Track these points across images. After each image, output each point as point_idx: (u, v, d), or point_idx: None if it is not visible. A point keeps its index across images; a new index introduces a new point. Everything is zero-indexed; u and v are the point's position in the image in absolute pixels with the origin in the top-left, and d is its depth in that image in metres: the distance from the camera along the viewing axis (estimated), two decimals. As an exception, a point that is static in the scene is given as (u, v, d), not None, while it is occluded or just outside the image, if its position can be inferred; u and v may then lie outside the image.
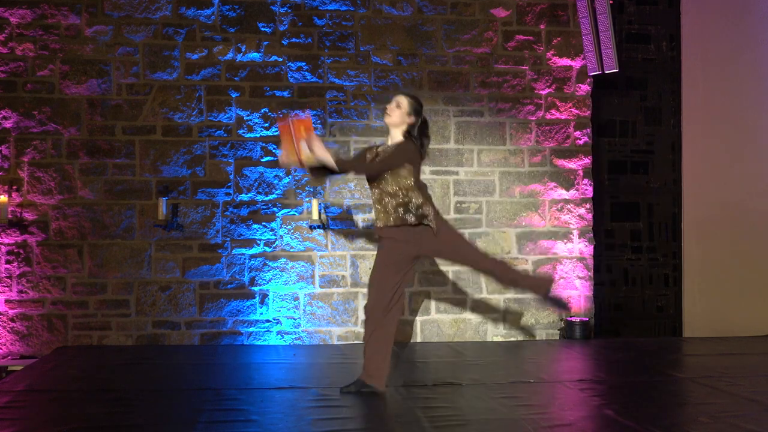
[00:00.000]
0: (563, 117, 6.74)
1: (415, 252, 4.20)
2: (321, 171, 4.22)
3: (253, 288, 6.35)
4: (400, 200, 4.12)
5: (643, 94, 7.19)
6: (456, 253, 4.42)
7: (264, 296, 6.35)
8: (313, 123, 4.22)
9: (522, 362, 5.46)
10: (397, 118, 4.20)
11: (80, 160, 6.23)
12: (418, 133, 4.21)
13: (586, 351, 5.95)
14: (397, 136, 4.24)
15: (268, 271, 6.37)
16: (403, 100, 4.21)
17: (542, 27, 6.76)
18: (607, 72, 6.43)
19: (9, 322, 6.09)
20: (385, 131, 6.54)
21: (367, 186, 6.42)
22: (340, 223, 6.46)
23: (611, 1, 6.43)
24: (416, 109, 4.22)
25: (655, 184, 7.16)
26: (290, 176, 6.43)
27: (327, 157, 4.05)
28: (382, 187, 4.16)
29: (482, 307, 6.56)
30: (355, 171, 4.44)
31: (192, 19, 6.41)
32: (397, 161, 4.14)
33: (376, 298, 4.19)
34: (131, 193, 6.27)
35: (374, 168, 4.20)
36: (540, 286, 4.50)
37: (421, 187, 4.22)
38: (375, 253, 6.40)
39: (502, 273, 4.42)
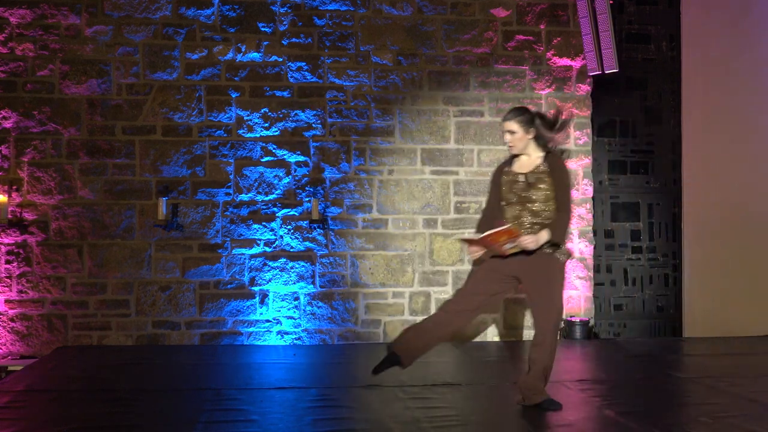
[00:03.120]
0: (563, 117, 6.73)
1: (516, 274, 3.92)
2: None
3: (253, 288, 6.35)
4: (542, 222, 3.86)
5: (643, 94, 7.18)
6: (543, 297, 3.90)
7: (264, 296, 6.35)
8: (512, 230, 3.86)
9: (522, 362, 5.45)
10: (520, 144, 3.96)
11: (80, 160, 6.23)
12: (547, 134, 3.99)
13: (586, 351, 5.95)
14: (532, 152, 3.98)
15: (268, 271, 6.37)
16: (511, 124, 3.96)
17: (542, 27, 6.75)
18: (607, 72, 6.43)
19: (9, 322, 6.09)
20: (384, 131, 6.55)
21: (367, 186, 6.45)
22: (340, 223, 6.46)
23: (611, 1, 6.42)
24: (526, 120, 3.97)
25: (655, 184, 7.15)
26: (290, 176, 6.43)
27: (545, 239, 3.84)
28: (527, 206, 3.90)
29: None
30: (569, 225, 3.97)
31: (192, 19, 6.40)
32: (571, 187, 4.06)
33: (466, 296, 4.01)
34: (131, 193, 6.27)
35: (570, 210, 3.94)
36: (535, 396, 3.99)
37: None
38: (375, 253, 6.44)
39: (537, 361, 3.95)
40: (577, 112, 6.75)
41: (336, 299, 6.41)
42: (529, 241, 3.80)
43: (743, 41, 6.95)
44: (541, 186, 3.90)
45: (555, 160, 3.98)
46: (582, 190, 6.72)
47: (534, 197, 3.91)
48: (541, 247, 3.85)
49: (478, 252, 3.93)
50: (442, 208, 6.58)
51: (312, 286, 6.40)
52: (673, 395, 4.37)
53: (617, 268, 7.06)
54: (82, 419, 3.69)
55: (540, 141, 4.00)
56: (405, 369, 4.02)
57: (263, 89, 6.44)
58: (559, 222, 3.90)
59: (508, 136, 3.99)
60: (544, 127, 3.99)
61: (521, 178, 3.96)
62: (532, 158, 4.00)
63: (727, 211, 6.91)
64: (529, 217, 3.91)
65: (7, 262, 6.11)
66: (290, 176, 6.43)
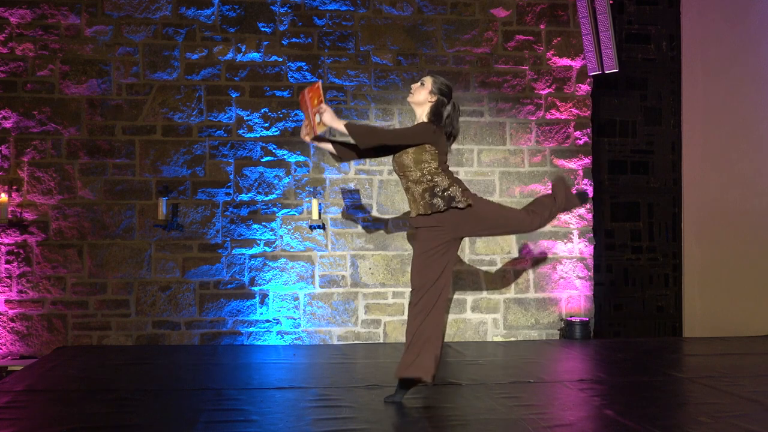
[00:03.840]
0: (563, 117, 6.75)
1: (450, 236, 4.03)
2: (342, 149, 4.21)
3: (253, 288, 6.35)
4: (426, 186, 3.99)
5: (643, 94, 7.19)
6: (496, 224, 4.19)
7: (264, 296, 6.35)
8: (321, 87, 4.13)
9: (522, 362, 5.46)
10: (419, 96, 4.08)
11: (80, 160, 6.23)
12: (446, 116, 4.07)
13: (586, 351, 5.94)
14: (421, 117, 4.12)
15: (268, 271, 6.37)
16: (428, 79, 4.11)
17: (542, 27, 6.76)
18: (607, 72, 6.43)
19: (9, 322, 6.09)
20: (385, 131, 6.54)
21: (367, 186, 6.45)
22: (340, 223, 6.46)
23: (611, 1, 6.42)
24: (440, 89, 4.08)
25: (655, 184, 7.16)
26: (290, 176, 6.43)
27: (337, 124, 3.97)
28: (408, 175, 4.04)
29: (482, 307, 6.56)
30: (367, 139, 4.05)
31: (192, 19, 6.41)
32: (412, 135, 3.97)
33: (420, 291, 4.01)
34: (131, 193, 6.27)
35: (386, 137, 4.05)
36: (569, 201, 4.47)
37: (447, 170, 4.07)
38: (375, 253, 6.44)
39: (545, 214, 4.30)
40: (577, 112, 6.76)
41: (336, 299, 6.42)
42: (325, 109, 3.98)
43: (743, 41, 6.96)
44: (406, 153, 4.01)
45: (422, 121, 4.10)
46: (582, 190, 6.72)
47: (405, 162, 4.03)
48: (446, 210, 3.97)
49: (305, 131, 4.17)
50: (442, 208, 6.57)
51: (312, 286, 6.40)
52: (673, 395, 4.37)
53: (617, 268, 7.06)
54: (82, 419, 3.69)
55: (433, 113, 4.07)
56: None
57: (263, 89, 6.44)
58: (369, 126, 4.09)
59: (416, 85, 4.13)
60: (449, 113, 4.11)
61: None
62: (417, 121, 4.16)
63: (727, 211, 6.92)
64: (415, 187, 4.03)
65: (7, 262, 6.11)
66: (290, 176, 6.43)
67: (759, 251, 6.75)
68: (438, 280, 3.99)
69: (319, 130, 4.09)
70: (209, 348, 6.07)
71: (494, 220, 4.14)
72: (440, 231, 4.01)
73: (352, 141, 4.03)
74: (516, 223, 4.24)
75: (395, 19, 6.60)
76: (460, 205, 3.97)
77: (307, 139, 4.19)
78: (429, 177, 4.00)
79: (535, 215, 4.26)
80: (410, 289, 4.11)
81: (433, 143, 4.00)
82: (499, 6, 6.72)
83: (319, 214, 6.31)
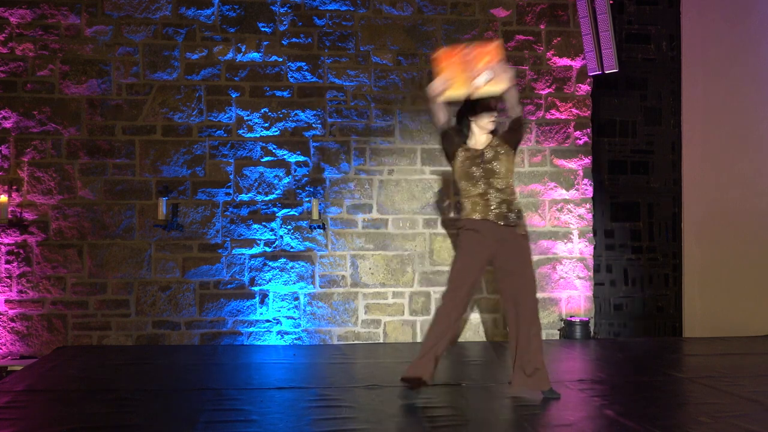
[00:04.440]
0: (563, 117, 6.74)
1: (493, 252, 4.04)
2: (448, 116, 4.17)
3: (253, 288, 6.35)
4: (506, 197, 4.03)
5: (643, 94, 7.19)
6: (526, 271, 4.04)
7: (264, 296, 6.35)
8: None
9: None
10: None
11: (80, 160, 6.23)
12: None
13: (586, 351, 5.94)
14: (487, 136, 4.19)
15: (268, 271, 6.37)
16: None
17: (542, 27, 6.76)
18: (607, 72, 6.43)
19: (9, 322, 6.09)
20: (384, 131, 6.54)
21: (367, 186, 6.44)
22: (340, 223, 6.46)
23: (611, 1, 6.42)
24: None
25: (655, 184, 7.15)
26: (290, 176, 6.43)
27: (514, 94, 4.16)
28: (492, 182, 4.01)
29: (482, 307, 6.56)
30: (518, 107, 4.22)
31: (192, 19, 6.41)
32: (521, 137, 4.24)
33: (456, 292, 4.12)
34: (131, 193, 6.27)
35: (523, 130, 4.26)
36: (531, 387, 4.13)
37: None
38: (375, 253, 6.44)
39: (523, 344, 4.07)
40: (577, 112, 6.76)
41: (336, 299, 6.42)
42: (508, 77, 4.11)
43: (743, 41, 6.96)
44: (500, 160, 4.05)
45: (501, 131, 4.24)
46: (582, 190, 6.72)
47: (497, 170, 4.04)
48: (513, 226, 4.01)
49: (443, 85, 4.00)
50: (441, 208, 6.57)
51: (312, 286, 6.40)
52: (673, 395, 4.37)
53: (617, 268, 7.06)
54: (82, 419, 3.69)
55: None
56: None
57: (263, 89, 6.44)
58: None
59: (495, 118, 4.22)
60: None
61: (486, 153, 4.08)
62: (485, 137, 4.20)
63: (727, 211, 6.92)
64: (495, 194, 4.04)
65: (7, 262, 6.11)
66: (290, 176, 6.43)
67: (759, 251, 6.74)
68: (470, 290, 4.15)
69: (481, 91, 4.01)
70: (209, 348, 6.07)
71: (530, 267, 4.07)
72: (489, 245, 4.03)
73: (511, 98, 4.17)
74: (533, 286, 4.09)
75: (395, 19, 6.60)
76: (523, 231, 4.05)
77: (438, 99, 4.01)
78: (511, 190, 4.08)
79: (535, 315, 4.10)
80: (448, 281, 4.17)
81: (514, 147, 4.15)
82: (499, 6, 6.71)
83: (319, 214, 6.31)
